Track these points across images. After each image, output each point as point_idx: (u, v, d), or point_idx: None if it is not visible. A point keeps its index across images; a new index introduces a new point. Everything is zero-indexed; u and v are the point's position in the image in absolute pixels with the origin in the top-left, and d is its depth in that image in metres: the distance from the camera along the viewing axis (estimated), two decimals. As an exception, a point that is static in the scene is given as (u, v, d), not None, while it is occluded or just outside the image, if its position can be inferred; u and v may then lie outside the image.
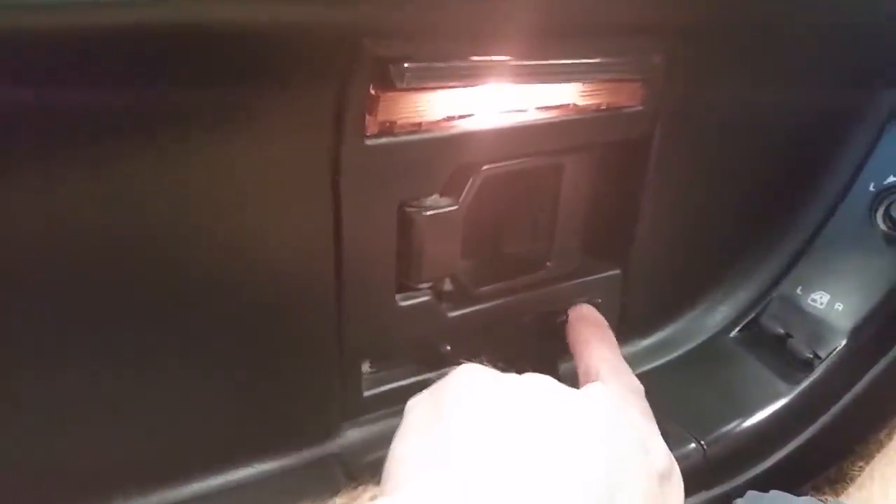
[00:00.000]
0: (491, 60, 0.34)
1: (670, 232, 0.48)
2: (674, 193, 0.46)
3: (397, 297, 0.39)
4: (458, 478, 0.24)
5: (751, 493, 0.35)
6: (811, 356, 0.47)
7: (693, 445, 0.44)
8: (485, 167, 0.38)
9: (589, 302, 0.45)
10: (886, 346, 0.48)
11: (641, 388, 0.36)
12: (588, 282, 0.46)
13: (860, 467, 0.44)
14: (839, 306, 0.48)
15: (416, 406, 0.29)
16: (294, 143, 0.32)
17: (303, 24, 0.27)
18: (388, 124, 0.33)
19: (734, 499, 0.36)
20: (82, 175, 0.28)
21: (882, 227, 0.49)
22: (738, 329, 0.52)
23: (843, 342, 0.47)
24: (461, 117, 0.36)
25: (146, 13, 0.24)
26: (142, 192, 0.30)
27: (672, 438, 0.42)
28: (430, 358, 0.41)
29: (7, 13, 0.22)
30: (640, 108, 0.41)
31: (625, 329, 0.48)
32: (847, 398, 0.48)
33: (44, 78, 0.25)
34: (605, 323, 0.42)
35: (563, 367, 0.46)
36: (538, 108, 0.38)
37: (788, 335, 0.49)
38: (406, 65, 0.31)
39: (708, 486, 0.45)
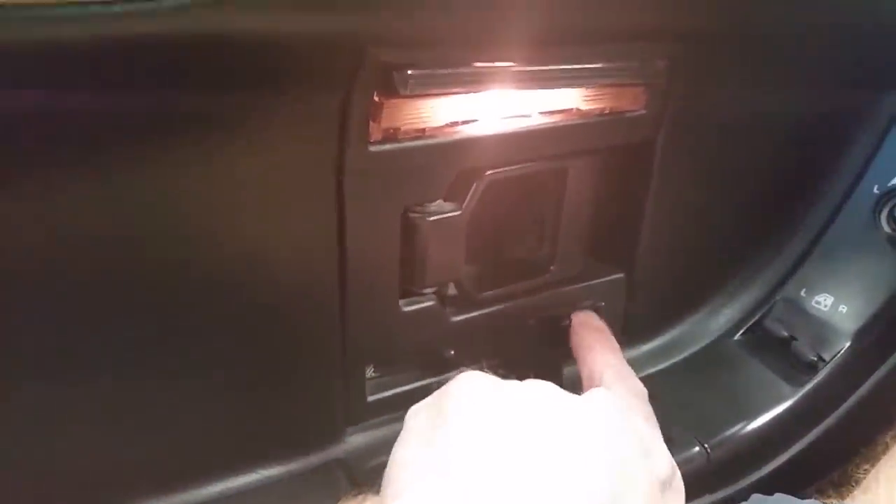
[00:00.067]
0: (494, 66, 0.34)
1: (674, 235, 0.48)
2: (677, 197, 0.46)
3: (401, 302, 0.39)
4: (458, 485, 0.24)
5: (755, 497, 0.35)
6: (815, 359, 0.47)
7: (697, 449, 0.44)
8: (488, 172, 0.38)
9: (593, 306, 0.45)
10: (891, 348, 0.48)
11: (645, 391, 0.36)
12: (592, 286, 0.46)
13: (865, 470, 0.44)
14: (843, 309, 0.48)
15: (418, 413, 0.29)
16: (299, 149, 0.32)
17: (308, 33, 0.28)
18: (391, 130, 0.34)
19: (738, 502, 0.36)
20: (89, 180, 0.29)
21: (886, 229, 0.48)
22: (741, 332, 0.52)
23: (848, 344, 0.47)
24: (464, 123, 0.36)
25: (164, 24, 0.24)
26: (149, 197, 0.30)
27: (676, 442, 0.42)
28: (434, 363, 0.42)
29: (29, 24, 0.22)
30: (644, 112, 0.41)
31: (628, 332, 0.48)
32: (852, 400, 0.48)
33: (57, 84, 0.26)
34: (608, 329, 0.42)
35: (567, 370, 0.46)
36: (541, 113, 0.38)
37: (792, 338, 0.49)
38: (410, 72, 0.31)
39: (712, 490, 0.45)
